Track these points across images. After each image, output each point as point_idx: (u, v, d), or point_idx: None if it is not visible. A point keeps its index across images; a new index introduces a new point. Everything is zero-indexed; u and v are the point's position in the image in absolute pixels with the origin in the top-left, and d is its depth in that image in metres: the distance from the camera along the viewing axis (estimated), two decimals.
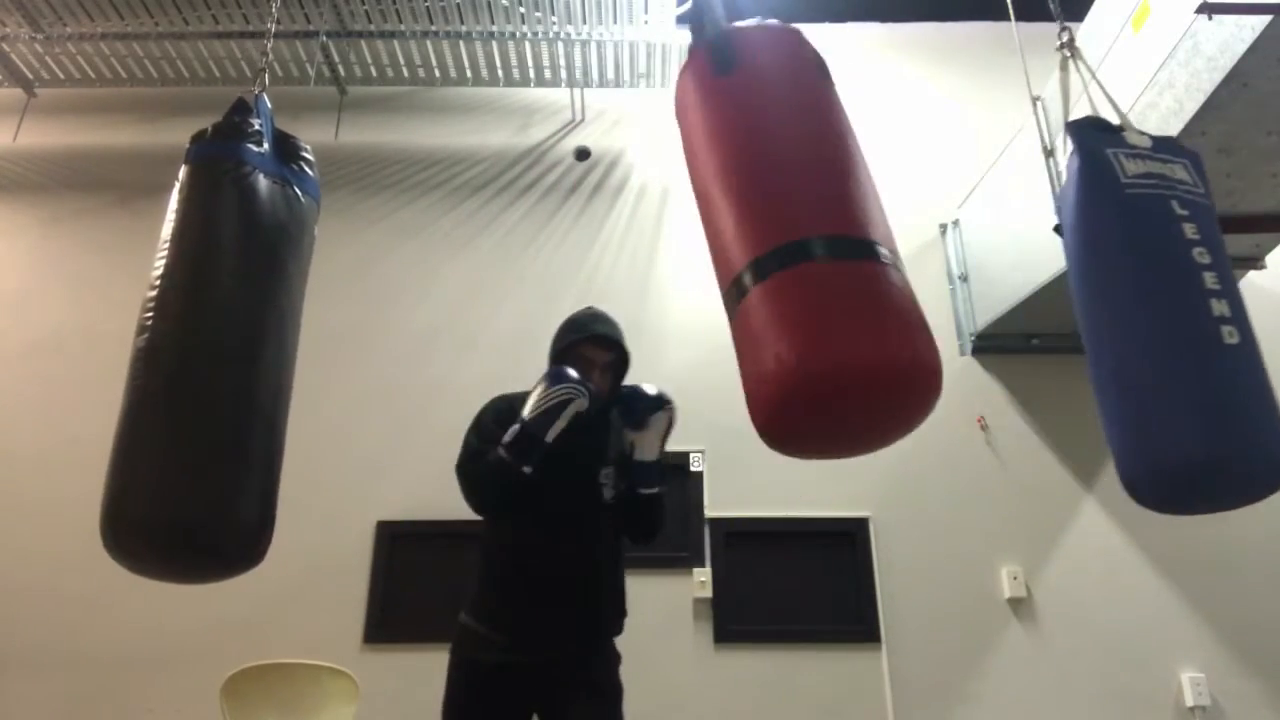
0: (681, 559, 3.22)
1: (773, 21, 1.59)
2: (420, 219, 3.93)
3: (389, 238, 3.88)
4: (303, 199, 1.76)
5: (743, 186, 1.35)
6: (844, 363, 1.16)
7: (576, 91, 4.15)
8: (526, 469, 1.72)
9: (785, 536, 3.31)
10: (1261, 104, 2.34)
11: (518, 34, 3.76)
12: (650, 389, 1.90)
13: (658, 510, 1.96)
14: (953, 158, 3.98)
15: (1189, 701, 3.04)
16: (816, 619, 3.20)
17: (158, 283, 1.56)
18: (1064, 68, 2.06)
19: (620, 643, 1.94)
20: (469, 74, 3.99)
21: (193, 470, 1.44)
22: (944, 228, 3.88)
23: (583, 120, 4.20)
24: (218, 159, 1.67)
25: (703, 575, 3.21)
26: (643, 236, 3.89)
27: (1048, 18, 2.22)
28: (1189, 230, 1.64)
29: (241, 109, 1.77)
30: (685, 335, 3.57)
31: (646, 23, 3.70)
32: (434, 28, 3.73)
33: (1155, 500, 1.61)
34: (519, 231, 3.90)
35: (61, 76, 3.96)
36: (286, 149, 1.79)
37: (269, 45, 2.10)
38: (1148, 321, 1.58)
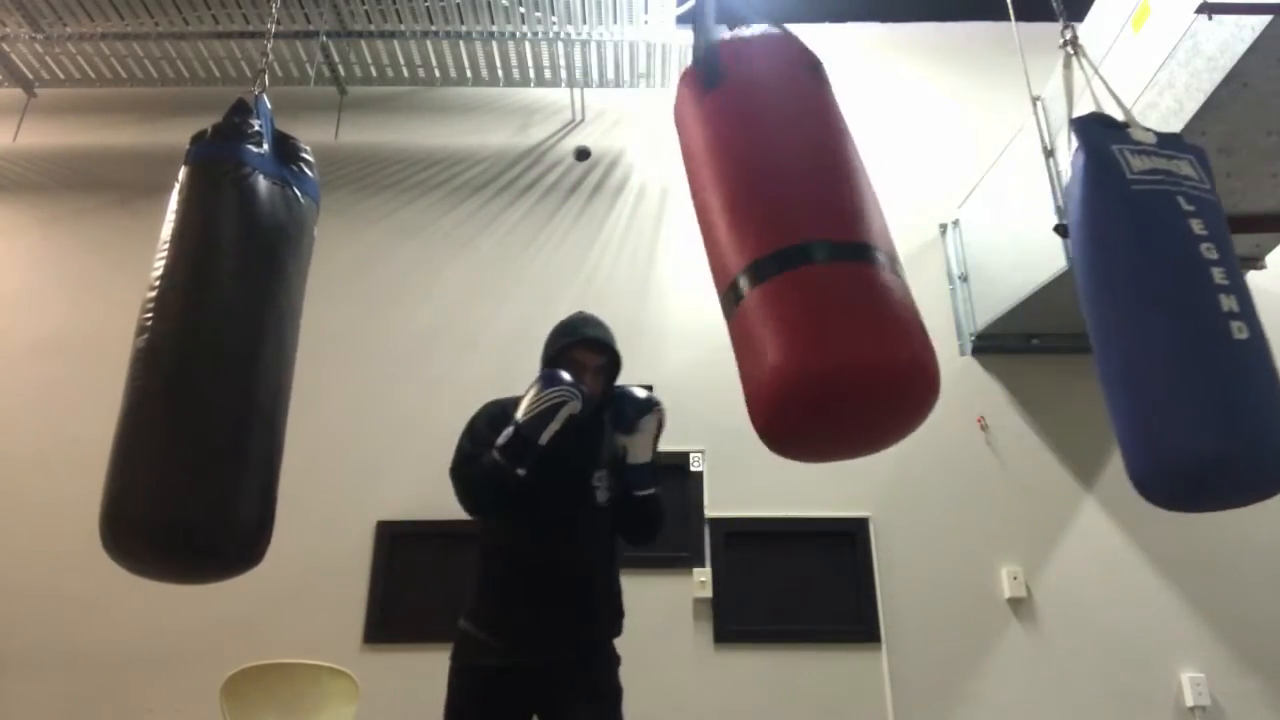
0: (681, 559, 3.22)
1: (763, 29, 1.59)
2: (420, 219, 3.93)
3: (389, 238, 3.88)
4: (302, 200, 1.76)
5: (736, 194, 1.36)
6: (842, 364, 1.17)
7: (576, 91, 4.15)
8: (520, 471, 1.73)
9: (785, 536, 3.31)
10: (1261, 104, 2.34)
11: (518, 34, 3.75)
12: (639, 392, 1.91)
13: (655, 511, 1.96)
14: (953, 158, 3.98)
15: (1189, 701, 3.04)
16: (816, 619, 3.20)
17: (157, 283, 1.56)
18: (1067, 65, 2.06)
19: (620, 643, 1.94)
20: (469, 74, 3.99)
21: (192, 471, 1.44)
22: (944, 228, 3.88)
23: (583, 120, 4.20)
24: (217, 160, 1.67)
25: (703, 575, 3.21)
26: (642, 236, 3.89)
27: (1047, 18, 2.22)
28: (1196, 226, 1.64)
29: (241, 110, 1.77)
30: (685, 335, 3.57)
31: (646, 23, 3.70)
32: (434, 28, 3.73)
33: (1165, 498, 1.60)
34: (519, 231, 3.90)
35: (61, 76, 3.96)
36: (286, 150, 1.79)
37: (269, 46, 2.10)
38: (1156, 318, 1.58)
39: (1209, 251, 1.61)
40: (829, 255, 1.25)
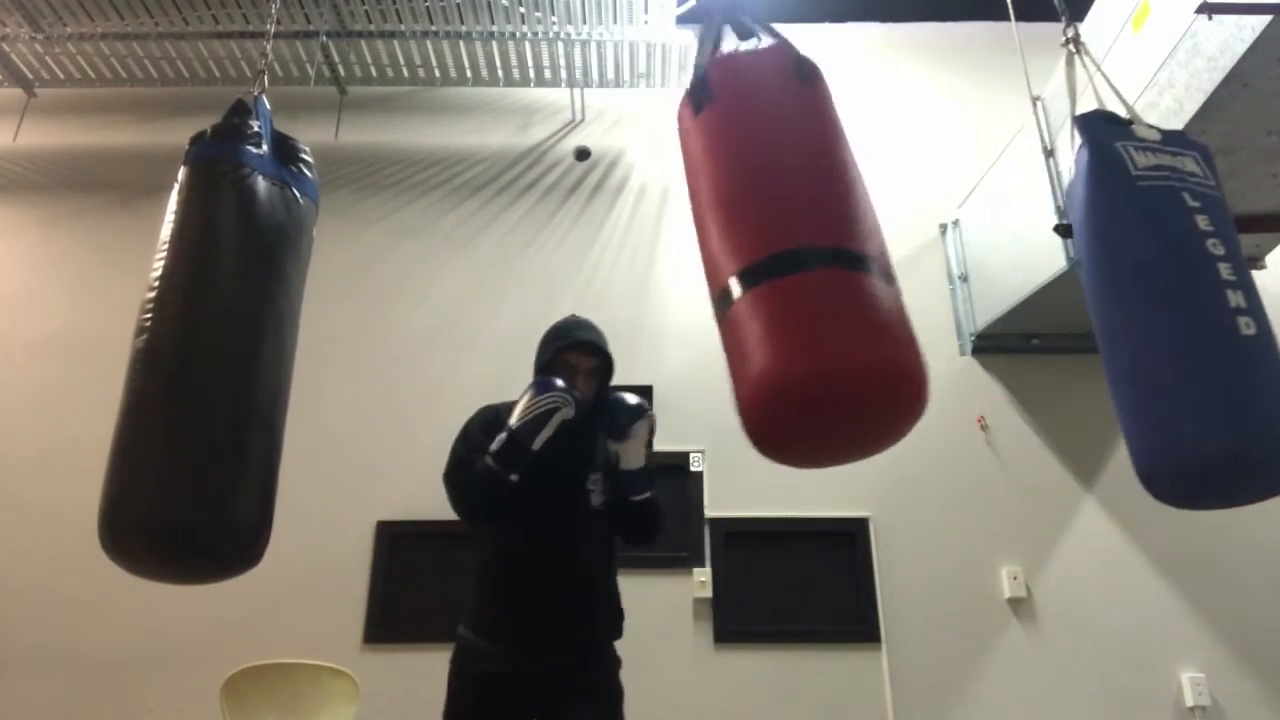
0: (681, 559, 3.22)
1: (757, 42, 1.61)
2: (420, 219, 3.93)
3: (389, 238, 3.88)
4: (301, 200, 1.77)
5: (724, 204, 1.39)
6: (827, 368, 1.18)
7: (576, 91, 4.15)
8: (513, 477, 1.74)
9: (785, 536, 3.31)
10: (1261, 104, 2.34)
11: (518, 34, 3.75)
12: (630, 399, 1.91)
13: (652, 514, 1.96)
14: (953, 158, 3.98)
15: (1189, 701, 3.04)
16: (816, 619, 3.20)
17: (156, 284, 1.56)
18: (1069, 63, 2.06)
19: (620, 643, 1.94)
20: (469, 74, 3.99)
21: (191, 471, 1.44)
22: (944, 228, 3.88)
23: (583, 120, 4.20)
24: (216, 160, 1.67)
25: (703, 575, 3.21)
26: (643, 236, 3.89)
27: (1047, 18, 2.22)
28: (1202, 222, 1.63)
29: (240, 110, 1.77)
30: (685, 335, 3.57)
31: (646, 23, 3.70)
32: (434, 28, 3.73)
33: (1173, 495, 1.59)
34: (519, 231, 3.90)
35: (61, 76, 3.95)
36: (285, 150, 1.79)
37: (268, 46, 2.10)
38: (1163, 314, 1.57)
39: (1215, 247, 1.60)
40: (815, 261, 1.25)
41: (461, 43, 3.81)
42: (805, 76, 1.52)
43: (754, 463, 1.38)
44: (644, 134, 4.11)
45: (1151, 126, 1.83)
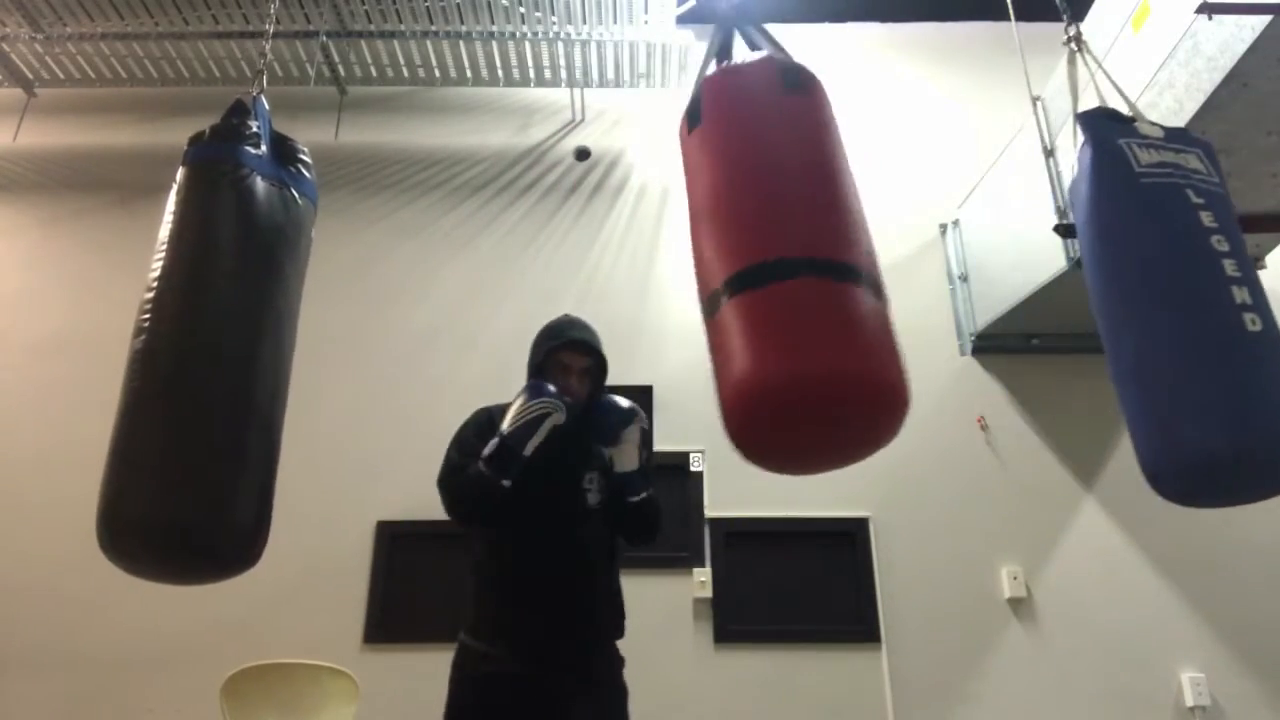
0: (681, 559, 3.22)
1: (748, 56, 1.63)
2: (420, 219, 3.93)
3: (389, 238, 3.88)
4: (300, 201, 1.77)
5: (712, 218, 1.42)
6: (802, 372, 1.19)
7: (576, 91, 4.15)
8: (505, 483, 1.74)
9: (785, 536, 3.31)
10: (1261, 104, 2.34)
11: (518, 34, 3.76)
12: (620, 402, 1.91)
13: (651, 514, 1.96)
14: (953, 158, 3.97)
15: (1189, 701, 3.04)
16: (816, 619, 3.20)
17: (155, 284, 1.56)
18: (1071, 62, 2.06)
19: (620, 643, 1.94)
20: (469, 74, 3.99)
21: (189, 471, 1.44)
22: (944, 228, 3.88)
23: (583, 120, 4.20)
24: (215, 161, 1.68)
25: (703, 575, 3.21)
26: (643, 236, 3.89)
27: (1047, 18, 2.22)
28: (1206, 219, 1.63)
29: (239, 111, 1.77)
30: (685, 335, 3.56)
31: (646, 23, 3.70)
32: (434, 28, 3.73)
33: (1178, 493, 1.59)
34: (519, 231, 3.90)
35: (61, 76, 3.96)
36: (284, 151, 1.79)
37: (267, 47, 2.10)
38: (1168, 311, 1.57)
39: (1220, 244, 1.60)
40: (794, 271, 1.26)
41: (461, 43, 3.81)
42: (795, 85, 1.52)
43: None
44: (644, 134, 4.11)
45: (1154, 124, 1.82)
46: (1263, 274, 3.07)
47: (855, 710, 3.05)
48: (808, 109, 1.52)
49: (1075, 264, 2.80)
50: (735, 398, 1.24)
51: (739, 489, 3.31)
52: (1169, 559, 3.27)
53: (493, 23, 3.71)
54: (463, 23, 3.71)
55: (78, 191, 3.98)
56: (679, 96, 1.60)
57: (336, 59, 3.95)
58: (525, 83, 4.05)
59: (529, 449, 1.75)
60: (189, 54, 3.82)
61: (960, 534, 3.31)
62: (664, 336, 3.62)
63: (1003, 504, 3.36)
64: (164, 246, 1.60)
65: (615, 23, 3.69)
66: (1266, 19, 2.11)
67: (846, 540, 3.30)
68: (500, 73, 3.99)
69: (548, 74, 3.99)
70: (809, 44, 4.29)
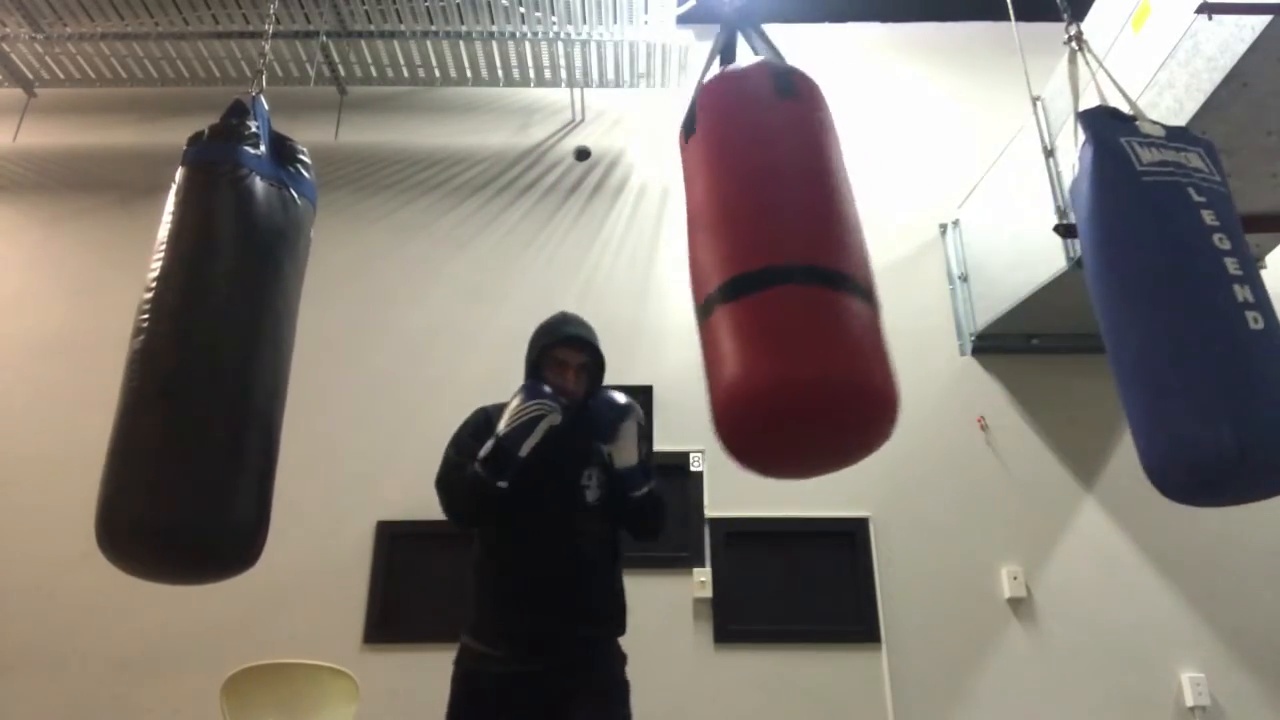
0: (681, 559, 3.22)
1: (742, 62, 1.64)
2: (420, 219, 3.93)
3: (389, 238, 3.88)
4: (299, 201, 1.77)
5: (705, 227, 1.43)
6: (788, 378, 1.20)
7: (576, 91, 4.15)
8: (501, 484, 1.75)
9: (785, 536, 3.31)
10: (1261, 104, 2.33)
11: (518, 34, 3.76)
12: (618, 398, 1.89)
13: (653, 509, 1.96)
14: (953, 158, 3.97)
15: (1189, 701, 3.04)
16: (816, 619, 3.20)
17: (154, 285, 1.56)
18: (1072, 61, 2.06)
19: (621, 643, 1.94)
20: (469, 74, 3.99)
21: (188, 472, 1.44)
22: (944, 228, 3.87)
23: (583, 120, 4.20)
24: (214, 161, 1.68)
25: (703, 575, 3.21)
26: (643, 236, 3.89)
27: (1047, 18, 2.22)
28: (1208, 217, 1.63)
29: (238, 111, 1.77)
30: (685, 335, 3.54)
31: (646, 23, 3.70)
32: (434, 28, 3.73)
33: (1181, 492, 1.58)
34: (519, 231, 3.90)
35: (61, 76, 3.96)
36: (283, 151, 1.79)
37: (266, 47, 2.10)
38: (1170, 309, 1.56)
39: (1221, 242, 1.60)
40: (780, 279, 1.27)
41: (461, 43, 3.81)
42: (786, 91, 1.52)
43: None
44: (644, 134, 4.11)
45: (1155, 122, 1.82)
46: (1263, 274, 3.09)
47: (855, 710, 3.05)
48: (800, 115, 1.52)
49: (1075, 264, 2.80)
50: (726, 402, 1.25)
51: (739, 489, 3.31)
52: (1169, 559, 3.27)
53: (493, 23, 3.71)
54: (463, 23, 3.71)
55: (78, 191, 3.98)
56: (679, 96, 1.60)
57: (336, 59, 3.95)
58: (525, 83, 4.05)
59: (524, 450, 1.75)
60: (189, 54, 3.82)
61: (960, 534, 3.31)
62: (664, 336, 3.62)
63: (1003, 504, 3.36)
64: (163, 247, 1.60)
65: (615, 23, 3.69)
66: (1266, 19, 2.11)
67: (846, 540, 3.30)
68: (500, 73, 3.98)
69: (548, 74, 3.99)
70: (809, 44, 4.31)
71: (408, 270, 3.80)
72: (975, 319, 3.62)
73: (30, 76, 3.95)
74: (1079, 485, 3.40)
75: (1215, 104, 2.32)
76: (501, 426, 1.76)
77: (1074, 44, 2.06)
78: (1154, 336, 1.57)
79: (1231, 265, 1.57)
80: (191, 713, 2.96)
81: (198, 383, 1.50)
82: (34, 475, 3.33)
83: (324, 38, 3.73)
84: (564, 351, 1.96)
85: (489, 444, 1.76)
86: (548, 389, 1.81)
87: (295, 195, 1.75)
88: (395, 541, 3.27)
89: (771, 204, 1.38)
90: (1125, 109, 1.89)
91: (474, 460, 1.77)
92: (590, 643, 1.86)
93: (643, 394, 3.39)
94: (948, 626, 3.17)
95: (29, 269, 3.81)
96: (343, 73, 4.04)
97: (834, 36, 4.39)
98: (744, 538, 3.29)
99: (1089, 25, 2.82)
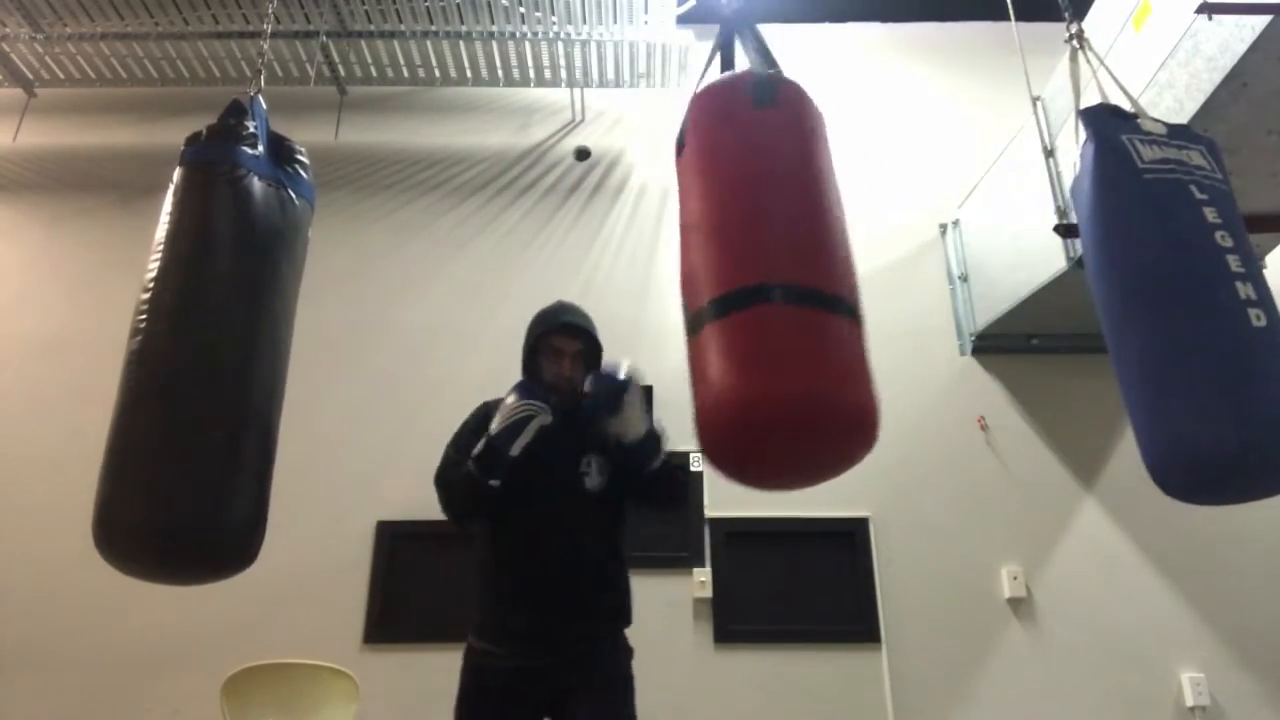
0: (681, 559, 3.22)
1: (723, 75, 1.65)
2: (420, 219, 3.93)
3: (389, 237, 3.88)
4: (297, 202, 1.77)
5: (692, 243, 1.47)
6: (770, 396, 1.23)
7: (576, 91, 4.15)
8: (493, 482, 1.75)
9: (785, 536, 3.31)
10: (1261, 104, 2.33)
11: (518, 34, 3.75)
12: (620, 371, 1.84)
13: (669, 479, 1.92)
14: (953, 158, 3.97)
15: (1189, 701, 3.04)
16: (816, 619, 3.20)
17: (151, 285, 1.56)
18: (1073, 59, 2.06)
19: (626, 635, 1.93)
20: (469, 74, 3.99)
21: (184, 472, 1.44)
22: (944, 228, 3.87)
23: (583, 120, 4.20)
24: (212, 161, 1.68)
25: (703, 575, 3.21)
26: (643, 236, 3.89)
27: (1047, 18, 2.22)
28: (1210, 214, 1.63)
29: (236, 111, 1.77)
30: (685, 335, 3.56)
31: (646, 23, 3.70)
32: (434, 28, 3.73)
33: (1182, 490, 1.58)
34: (519, 231, 3.90)
35: (61, 76, 3.96)
36: (281, 151, 1.79)
37: (265, 46, 2.10)
38: (1172, 307, 1.56)
39: (1223, 239, 1.59)
40: (780, 298, 1.28)
41: (461, 43, 3.81)
42: (765, 101, 1.50)
43: None
44: (644, 134, 4.11)
45: (1157, 120, 1.82)
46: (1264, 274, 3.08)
47: (855, 710, 3.05)
48: (779, 126, 1.50)
49: (1075, 264, 2.80)
50: (711, 414, 1.28)
51: (739, 489, 3.29)
52: (1169, 559, 3.27)
53: (493, 23, 3.71)
54: (463, 23, 3.71)
55: (78, 191, 3.98)
56: (679, 96, 1.60)
57: (336, 59, 3.95)
58: (525, 83, 4.05)
59: (514, 450, 1.74)
60: (189, 54, 3.82)
61: (960, 534, 3.31)
62: (664, 336, 3.61)
63: (1003, 504, 3.36)
64: (160, 247, 1.61)
65: (615, 23, 3.69)
66: (1266, 19, 2.11)
67: (846, 540, 3.30)
68: (500, 73, 3.98)
69: (548, 74, 3.99)
70: (809, 44, 4.31)
71: (408, 270, 3.80)
72: (975, 319, 3.62)
73: (30, 76, 3.95)
74: (1079, 485, 3.40)
75: (1215, 104, 2.32)
76: (493, 425, 1.76)
77: (1075, 42, 2.06)
78: (1156, 334, 1.57)
79: (1233, 263, 1.56)
80: (191, 713, 2.96)
81: (195, 383, 1.50)
82: (34, 475, 3.33)
83: (324, 38, 3.73)
84: (560, 339, 1.95)
85: (481, 443, 1.76)
86: (538, 389, 1.80)
87: (293, 195, 1.75)
88: (395, 541, 3.27)
89: (746, 221, 1.39)
90: (1126, 107, 1.88)
91: (469, 457, 1.77)
92: (589, 637, 1.85)
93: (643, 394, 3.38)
94: (948, 626, 3.17)
95: (29, 269, 3.81)
96: (343, 73, 4.04)
97: (834, 36, 4.39)
98: (744, 538, 3.29)
99: (1089, 25, 2.82)
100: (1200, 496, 1.62)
